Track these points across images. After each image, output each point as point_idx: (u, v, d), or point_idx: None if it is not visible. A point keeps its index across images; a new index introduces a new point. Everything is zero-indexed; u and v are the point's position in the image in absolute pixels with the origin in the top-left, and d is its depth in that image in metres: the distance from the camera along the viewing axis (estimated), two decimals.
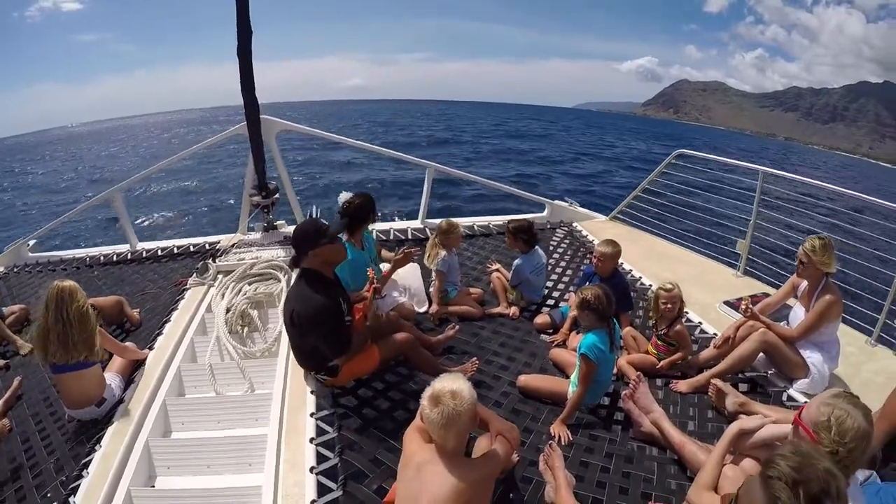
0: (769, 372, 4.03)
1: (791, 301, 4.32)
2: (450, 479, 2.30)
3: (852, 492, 2.11)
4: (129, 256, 6.71)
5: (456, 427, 2.31)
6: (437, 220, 5.44)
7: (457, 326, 4.56)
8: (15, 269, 6.68)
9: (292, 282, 4.19)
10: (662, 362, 4.14)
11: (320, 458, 3.15)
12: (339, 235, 3.89)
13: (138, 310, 5.16)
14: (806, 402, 2.91)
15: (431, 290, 5.10)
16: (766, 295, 5.01)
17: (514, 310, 5.05)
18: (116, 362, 4.13)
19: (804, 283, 4.08)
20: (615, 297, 3.69)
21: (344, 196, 5.09)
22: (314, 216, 6.34)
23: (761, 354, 3.98)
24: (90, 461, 3.27)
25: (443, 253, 5.01)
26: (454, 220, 5.33)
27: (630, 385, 3.65)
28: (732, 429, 2.73)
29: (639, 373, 3.77)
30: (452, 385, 2.36)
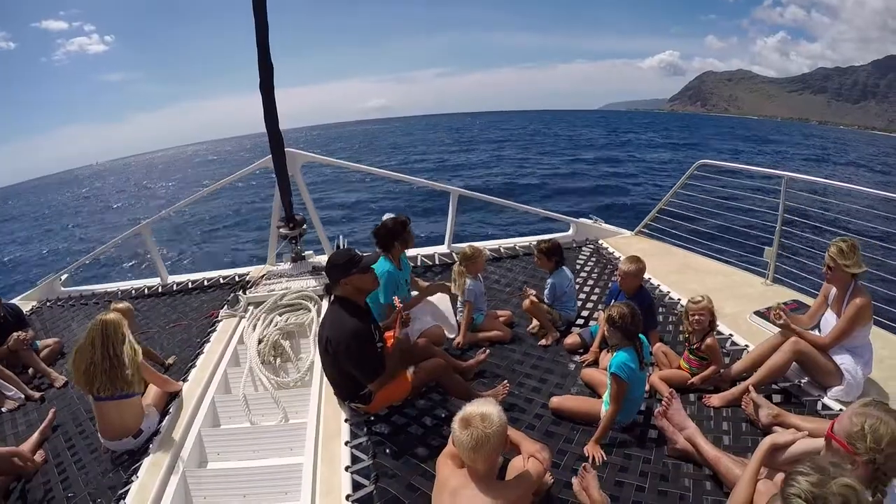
0: (802, 381, 3.97)
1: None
2: (485, 501, 2.32)
3: (890, 501, 2.09)
4: (159, 290, 6.85)
5: (485, 450, 2.34)
6: (463, 245, 5.45)
7: (487, 351, 4.57)
8: (48, 304, 6.88)
9: (324, 310, 4.26)
10: (694, 378, 4.09)
11: (356, 486, 3.18)
12: (372, 266, 3.98)
13: (172, 359, 5.13)
14: (841, 410, 2.88)
15: (460, 318, 5.11)
16: (797, 302, 4.95)
17: (549, 337, 4.97)
18: (151, 394, 4.21)
19: (833, 289, 4.03)
20: (640, 313, 3.67)
21: (387, 216, 5.17)
22: (341, 245, 6.44)
23: (794, 363, 3.92)
24: (127, 492, 3.34)
25: (469, 281, 5.04)
26: (478, 244, 5.35)
27: (663, 402, 3.63)
28: (765, 443, 2.70)
29: (671, 389, 3.74)
30: (482, 409, 2.40)
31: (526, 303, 5.10)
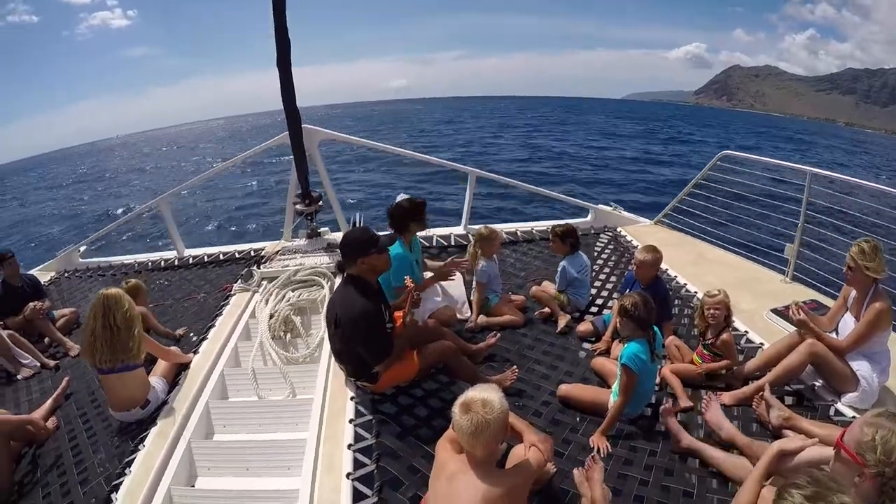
0: (816, 384, 3.88)
1: None
2: (481, 488, 2.30)
3: None
4: (176, 263, 6.91)
5: (485, 436, 2.30)
6: (479, 226, 5.42)
7: (498, 335, 4.54)
8: (66, 275, 6.98)
9: (336, 287, 4.25)
10: (702, 367, 4.04)
11: (357, 465, 3.18)
12: (387, 246, 3.96)
13: (183, 329, 5.20)
14: (854, 417, 2.81)
15: (472, 298, 5.10)
16: (815, 302, 4.85)
17: (561, 320, 4.95)
18: (161, 366, 4.27)
19: (853, 291, 3.93)
20: (654, 304, 3.61)
21: (401, 197, 5.13)
22: (358, 223, 6.43)
23: (808, 365, 3.84)
24: (133, 460, 3.39)
25: (482, 262, 5.00)
26: (494, 226, 5.31)
27: (703, 402, 3.62)
28: (773, 449, 2.64)
29: (708, 393, 3.75)
30: (484, 394, 2.36)
31: (533, 289, 5.11)
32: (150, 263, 7.02)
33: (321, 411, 3.72)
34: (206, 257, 6.96)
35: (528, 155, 34.89)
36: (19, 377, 4.79)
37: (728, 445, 3.30)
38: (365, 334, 3.68)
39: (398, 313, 4.12)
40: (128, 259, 7.31)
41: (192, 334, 5.05)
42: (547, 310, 5.10)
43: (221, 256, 6.90)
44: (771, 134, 74.86)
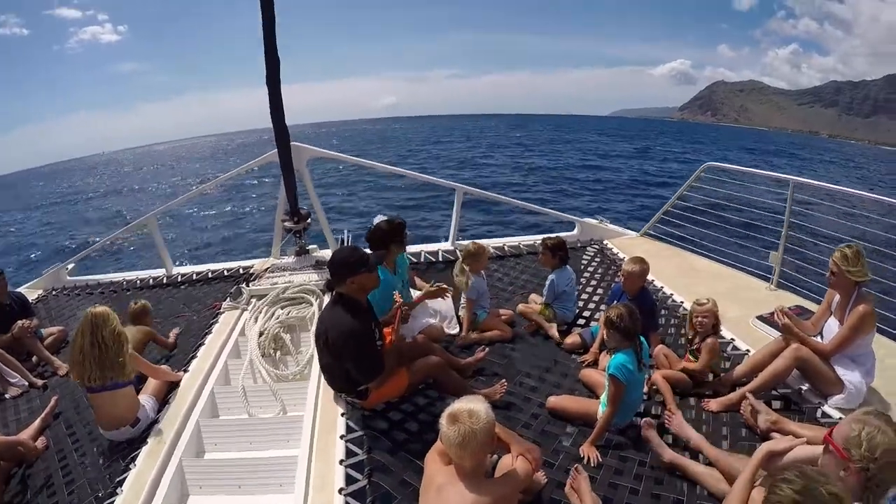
0: (803, 388, 3.95)
1: None
2: (469, 498, 2.34)
3: None
4: (164, 281, 6.90)
5: (472, 446, 2.35)
6: (467, 242, 5.45)
7: (486, 349, 4.57)
8: (54, 292, 6.96)
9: (325, 305, 4.27)
10: (678, 365, 4.16)
11: (349, 480, 3.19)
12: (377, 264, 4.01)
13: (177, 330, 5.32)
14: (841, 419, 2.86)
15: (461, 314, 5.13)
16: (801, 307, 4.91)
17: (551, 330, 5.00)
18: (151, 384, 4.27)
19: (837, 295, 4.00)
20: (641, 315, 3.66)
21: (379, 219, 5.15)
22: (346, 241, 6.46)
23: (795, 370, 3.89)
24: (124, 479, 3.37)
25: (472, 279, 5.03)
26: (482, 241, 5.35)
27: (665, 416, 3.66)
28: (761, 450, 2.67)
29: (671, 407, 3.79)
30: (470, 405, 2.41)
31: (520, 306, 5.19)
32: (138, 281, 6.99)
33: (312, 428, 3.72)
34: (194, 275, 6.94)
35: (521, 179, 34.10)
36: (7, 396, 4.75)
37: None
38: (354, 353, 3.69)
39: (387, 330, 4.14)
40: (116, 277, 7.29)
41: (180, 354, 5.03)
42: (532, 325, 5.16)
43: (210, 274, 6.88)
44: (762, 149, 75.08)
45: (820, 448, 2.46)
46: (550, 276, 5.18)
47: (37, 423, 4.12)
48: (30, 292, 6.76)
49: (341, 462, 3.34)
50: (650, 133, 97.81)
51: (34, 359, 5.28)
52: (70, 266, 7.30)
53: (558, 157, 48.81)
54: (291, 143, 6.01)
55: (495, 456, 2.97)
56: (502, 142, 67.76)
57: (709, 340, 4.06)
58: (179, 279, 6.89)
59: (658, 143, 70.42)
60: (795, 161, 59.83)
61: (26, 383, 4.89)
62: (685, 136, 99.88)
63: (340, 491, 3.11)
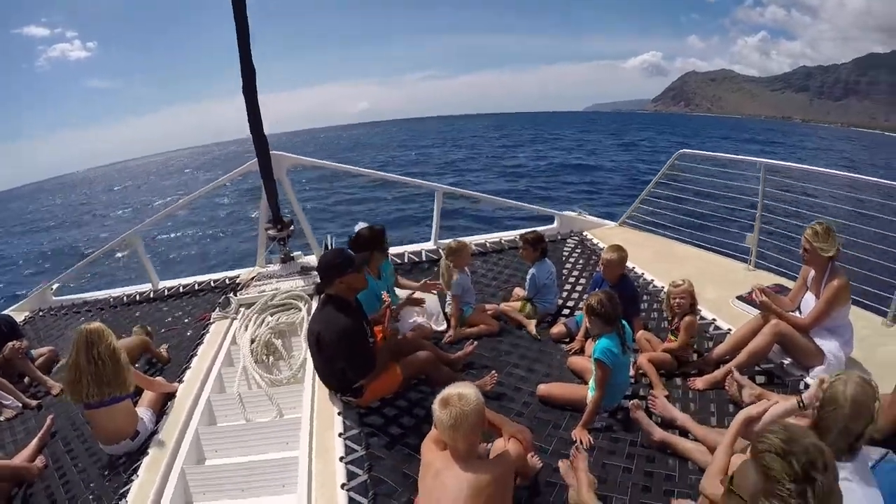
0: (785, 362, 4.08)
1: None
2: (466, 478, 2.45)
3: (857, 467, 2.19)
4: (151, 295, 6.89)
5: (464, 427, 2.46)
6: (449, 240, 5.54)
7: (475, 343, 4.65)
8: (41, 313, 6.94)
9: (314, 308, 4.33)
10: (659, 347, 4.32)
11: (350, 476, 3.26)
12: (363, 265, 4.11)
13: (166, 346, 5.34)
14: None
15: (448, 310, 5.22)
16: (779, 286, 5.05)
17: (530, 326, 5.09)
18: (147, 397, 4.29)
19: (812, 271, 4.14)
20: (623, 301, 3.77)
21: (360, 226, 5.23)
22: (329, 245, 6.51)
23: (776, 345, 4.02)
24: (128, 490, 3.40)
25: (456, 275, 5.12)
26: (463, 238, 5.43)
27: (648, 399, 3.79)
28: (739, 417, 2.79)
29: (654, 392, 3.92)
30: (459, 389, 2.54)
31: (502, 305, 5.33)
32: (125, 298, 6.97)
33: (310, 428, 3.78)
34: (181, 288, 6.93)
35: (510, 187, 32.41)
36: (2, 418, 4.74)
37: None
38: (347, 351, 3.78)
39: (378, 328, 4.23)
40: (101, 294, 7.25)
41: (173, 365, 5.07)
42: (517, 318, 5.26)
43: (197, 286, 6.88)
44: (755, 139, 75.30)
45: (790, 402, 2.70)
46: (531, 271, 5.28)
47: (34, 442, 4.12)
48: (16, 314, 6.71)
49: (341, 459, 3.41)
50: (630, 128, 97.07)
51: (26, 380, 5.28)
52: (55, 286, 7.27)
53: (544, 157, 47.32)
54: (271, 151, 6.05)
55: (489, 445, 3.07)
56: (482, 144, 66.51)
57: (686, 319, 4.19)
58: (166, 293, 6.89)
59: (640, 138, 70.27)
60: (779, 148, 60.08)
61: (20, 405, 4.88)
62: (671, 129, 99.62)
63: (343, 486, 3.18)
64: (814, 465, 1.64)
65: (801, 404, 2.70)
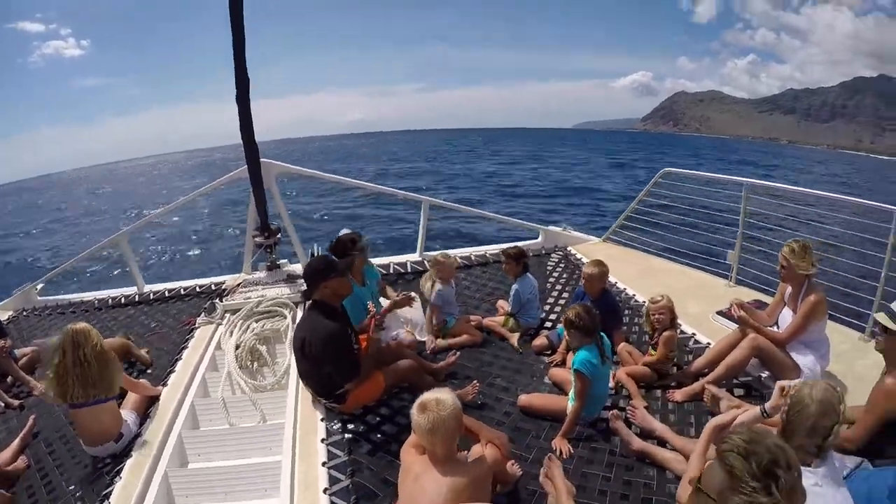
0: (762, 375, 4.16)
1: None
2: (445, 482, 2.52)
3: (827, 471, 2.25)
4: (136, 298, 6.86)
5: (441, 431, 2.53)
6: (434, 252, 5.59)
7: (457, 353, 4.72)
8: (24, 313, 6.87)
9: (300, 315, 4.37)
10: (640, 360, 4.38)
11: (333, 480, 3.30)
12: (346, 269, 4.18)
13: (146, 349, 5.32)
14: None
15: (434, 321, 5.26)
16: (759, 301, 5.15)
17: (513, 339, 5.13)
18: (131, 399, 4.27)
19: (789, 287, 4.24)
20: (603, 315, 3.86)
21: (343, 232, 5.29)
22: (316, 254, 6.56)
23: (754, 358, 4.10)
24: (110, 492, 3.39)
25: (438, 286, 5.18)
26: (449, 251, 5.49)
27: (628, 410, 3.85)
28: (709, 426, 2.91)
29: (633, 401, 3.99)
30: (436, 394, 2.62)
31: (486, 320, 5.35)
32: (110, 300, 6.93)
33: (293, 433, 3.81)
34: (167, 292, 6.92)
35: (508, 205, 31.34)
36: None
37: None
38: (333, 354, 3.84)
39: (362, 336, 4.28)
40: (87, 296, 7.19)
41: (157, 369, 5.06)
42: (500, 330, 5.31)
43: (183, 291, 6.87)
44: (748, 160, 75.65)
45: (756, 409, 2.82)
46: (514, 287, 5.32)
47: (16, 442, 4.10)
48: (0, 314, 6.70)
49: (324, 464, 3.44)
50: (622, 149, 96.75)
51: (9, 379, 5.23)
52: (40, 286, 7.22)
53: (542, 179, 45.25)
54: (261, 159, 6.09)
55: (466, 452, 3.12)
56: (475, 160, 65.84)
57: (665, 333, 4.27)
58: (152, 297, 6.86)
59: (634, 158, 70.33)
60: (770, 171, 60.07)
61: (2, 404, 4.85)
62: (660, 148, 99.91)
63: (325, 491, 3.21)
64: (776, 463, 1.71)
65: (765, 413, 2.79)
